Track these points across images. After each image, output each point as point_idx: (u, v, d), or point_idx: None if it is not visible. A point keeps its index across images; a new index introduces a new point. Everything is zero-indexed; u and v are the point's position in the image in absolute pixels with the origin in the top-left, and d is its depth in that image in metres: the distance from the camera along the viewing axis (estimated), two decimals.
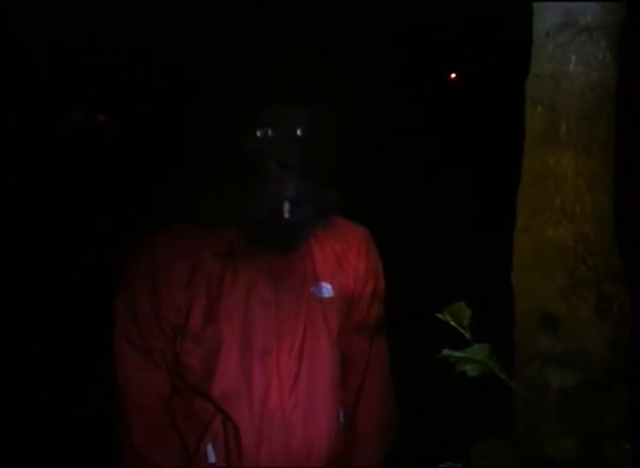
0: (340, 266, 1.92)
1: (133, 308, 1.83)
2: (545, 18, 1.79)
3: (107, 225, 5.04)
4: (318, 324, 1.86)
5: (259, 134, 1.77)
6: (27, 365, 3.49)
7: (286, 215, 1.77)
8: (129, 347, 1.83)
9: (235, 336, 1.81)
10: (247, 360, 1.81)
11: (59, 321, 4.29)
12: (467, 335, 1.21)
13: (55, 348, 4.10)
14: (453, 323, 1.21)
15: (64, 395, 3.68)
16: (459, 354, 1.19)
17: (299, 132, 1.80)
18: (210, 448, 1.81)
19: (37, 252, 4.89)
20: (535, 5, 1.81)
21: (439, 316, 1.23)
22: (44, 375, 3.86)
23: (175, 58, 1.91)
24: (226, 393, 1.80)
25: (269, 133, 1.78)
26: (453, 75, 7.89)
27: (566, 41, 1.75)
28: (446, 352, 1.19)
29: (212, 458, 1.81)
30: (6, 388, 1.79)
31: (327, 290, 1.89)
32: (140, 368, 1.83)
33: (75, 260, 4.92)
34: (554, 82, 1.77)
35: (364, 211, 1.97)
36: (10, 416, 1.79)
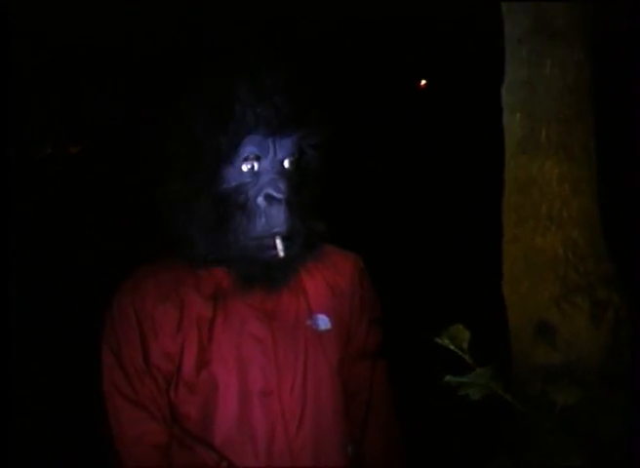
0: (335, 296, 1.86)
1: (121, 359, 1.74)
2: (516, 23, 1.77)
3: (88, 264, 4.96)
4: (318, 357, 1.79)
5: (244, 168, 1.71)
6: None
7: (281, 254, 1.70)
8: (120, 399, 1.75)
9: (232, 380, 1.73)
10: (247, 403, 1.73)
11: None
12: (468, 358, 1.17)
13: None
14: (452, 347, 1.18)
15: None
16: (462, 379, 1.15)
17: (286, 163, 1.74)
18: None
19: None
20: (504, 11, 1.79)
21: (438, 340, 1.19)
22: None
23: (154, 92, 1.83)
24: (229, 440, 1.72)
25: (255, 167, 1.72)
26: (423, 82, 7.85)
27: (539, 45, 1.73)
28: (449, 378, 1.16)
29: None
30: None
31: (324, 321, 1.82)
32: (134, 420, 1.75)
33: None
34: (530, 87, 1.75)
35: (352, 236, 1.92)
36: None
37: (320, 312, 1.82)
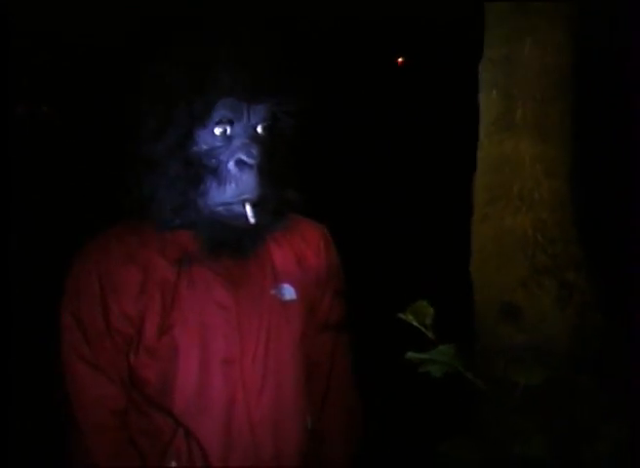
0: (301, 266, 1.83)
1: (81, 321, 1.70)
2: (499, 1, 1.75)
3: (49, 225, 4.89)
4: (281, 327, 1.76)
5: (217, 132, 1.67)
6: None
7: (251, 220, 1.67)
8: (79, 361, 1.71)
9: (193, 346, 1.69)
10: (207, 371, 1.69)
11: None
12: (430, 335, 1.16)
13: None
14: (415, 323, 1.16)
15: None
16: (423, 356, 1.14)
17: (259, 128, 1.71)
18: (173, 466, 1.69)
19: None
20: None
21: (401, 316, 1.17)
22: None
23: (124, 53, 1.78)
24: (187, 407, 1.69)
25: (228, 131, 1.68)
26: (400, 59, 7.80)
27: (520, 24, 1.71)
28: (410, 354, 1.14)
29: None
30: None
31: (289, 292, 1.79)
32: (93, 383, 1.71)
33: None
34: (508, 65, 1.73)
35: (320, 208, 1.89)
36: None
37: (286, 282, 1.79)
